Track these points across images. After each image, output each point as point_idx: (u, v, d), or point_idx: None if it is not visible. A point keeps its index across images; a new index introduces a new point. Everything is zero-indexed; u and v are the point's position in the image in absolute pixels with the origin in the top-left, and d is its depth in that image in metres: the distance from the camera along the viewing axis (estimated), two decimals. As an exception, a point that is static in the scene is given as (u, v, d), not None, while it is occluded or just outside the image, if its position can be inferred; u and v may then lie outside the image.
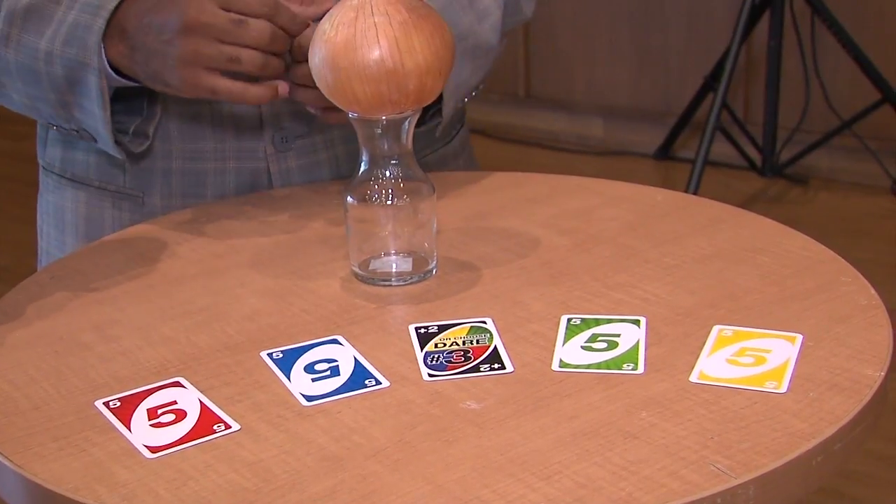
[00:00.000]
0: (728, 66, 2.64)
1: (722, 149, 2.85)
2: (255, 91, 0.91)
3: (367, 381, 0.73)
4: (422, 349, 0.76)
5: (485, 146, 3.30)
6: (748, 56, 2.99)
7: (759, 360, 0.72)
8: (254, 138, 1.03)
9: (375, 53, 0.78)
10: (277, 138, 1.03)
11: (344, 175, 1.06)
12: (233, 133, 1.02)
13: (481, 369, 0.74)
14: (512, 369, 0.74)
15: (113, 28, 0.92)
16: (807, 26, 2.78)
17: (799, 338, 0.75)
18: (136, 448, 0.67)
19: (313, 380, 0.73)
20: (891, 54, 2.77)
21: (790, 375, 0.71)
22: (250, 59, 0.89)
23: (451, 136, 1.15)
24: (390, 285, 0.86)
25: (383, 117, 0.82)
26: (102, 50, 0.92)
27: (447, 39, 0.82)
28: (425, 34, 0.80)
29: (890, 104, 2.70)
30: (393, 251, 0.87)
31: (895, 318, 0.77)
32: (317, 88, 0.84)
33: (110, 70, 0.93)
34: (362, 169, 0.85)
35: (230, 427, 0.69)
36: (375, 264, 0.87)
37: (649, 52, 3.19)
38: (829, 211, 2.79)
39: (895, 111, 2.70)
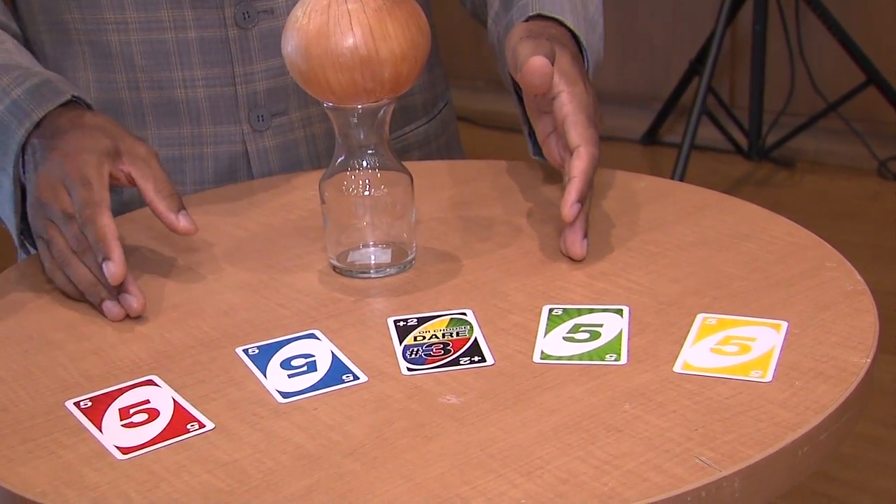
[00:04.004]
0: (713, 51, 2.62)
1: (708, 133, 2.84)
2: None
3: (344, 377, 0.71)
4: (401, 342, 0.75)
5: (471, 133, 3.28)
6: (733, 40, 2.98)
7: (744, 349, 0.71)
8: (230, 120, 1.01)
9: (349, 41, 0.77)
10: (254, 117, 1.01)
11: (321, 154, 1.04)
12: (209, 116, 1.01)
13: (461, 362, 0.72)
14: (492, 362, 0.72)
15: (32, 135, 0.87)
16: (791, 9, 2.77)
17: (784, 325, 0.73)
18: (107, 449, 0.65)
19: (290, 376, 0.72)
20: (876, 35, 2.76)
21: (775, 364, 0.69)
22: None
23: (432, 114, 1.14)
24: (369, 277, 0.84)
25: (359, 106, 0.80)
26: (20, 160, 0.86)
27: (423, 26, 0.80)
28: (400, 21, 0.78)
29: (875, 86, 2.69)
30: (371, 243, 0.85)
31: (885, 300, 0.76)
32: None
33: (24, 181, 0.87)
34: (339, 159, 0.83)
35: (204, 426, 0.67)
36: (354, 256, 0.85)
37: (634, 37, 3.18)
38: (816, 194, 2.78)
39: (881, 93, 2.69)
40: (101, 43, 0.99)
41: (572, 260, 0.83)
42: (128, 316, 0.79)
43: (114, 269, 0.78)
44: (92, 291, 0.80)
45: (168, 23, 0.98)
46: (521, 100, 0.91)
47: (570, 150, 0.81)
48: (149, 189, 0.84)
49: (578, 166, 0.80)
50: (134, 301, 0.79)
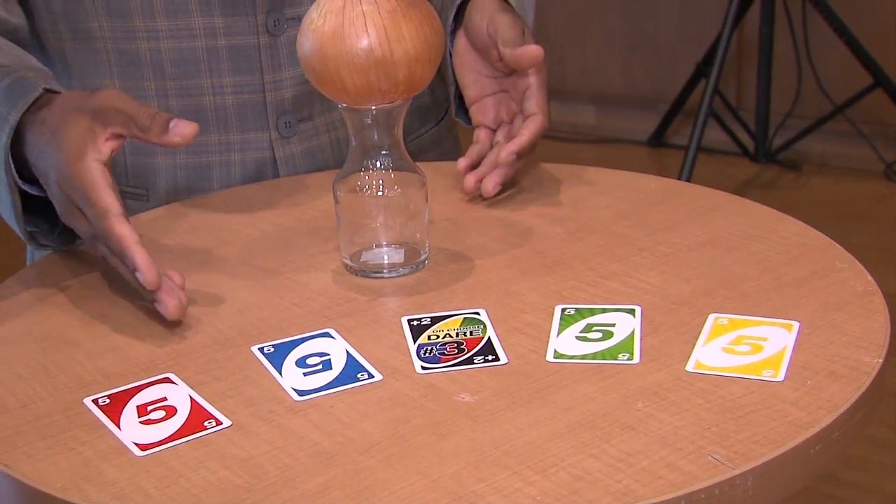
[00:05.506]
0: (720, 52, 2.63)
1: (715, 135, 2.84)
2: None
3: (359, 375, 0.72)
4: (415, 341, 0.75)
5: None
6: (740, 42, 2.98)
7: (756, 349, 0.72)
8: (258, 127, 1.02)
9: (364, 42, 0.77)
10: (282, 123, 1.02)
11: (345, 158, 1.05)
12: (237, 123, 1.01)
13: (475, 361, 0.73)
14: (506, 361, 0.73)
15: (18, 135, 0.84)
16: (798, 11, 2.77)
17: (795, 325, 0.74)
18: (125, 446, 0.66)
19: (305, 374, 0.72)
20: (883, 38, 2.76)
21: (787, 363, 0.70)
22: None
23: (443, 112, 1.15)
24: (382, 277, 0.85)
25: (373, 107, 0.81)
26: (11, 165, 0.83)
27: (436, 27, 0.80)
28: (414, 22, 0.79)
29: (882, 88, 2.69)
30: (384, 242, 0.86)
31: (892, 302, 0.76)
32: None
33: (22, 183, 0.85)
34: (352, 160, 0.84)
35: (221, 423, 0.68)
36: (367, 256, 0.86)
37: (641, 39, 3.18)
38: (823, 196, 2.78)
39: (887, 95, 2.69)
40: (130, 51, 0.99)
41: (483, 198, 0.95)
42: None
43: (143, 277, 0.76)
44: (144, 294, 0.79)
45: (199, 31, 0.98)
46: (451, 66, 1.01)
47: (523, 115, 0.94)
48: (135, 132, 0.80)
49: (531, 128, 0.93)
50: (167, 307, 0.77)
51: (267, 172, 1.04)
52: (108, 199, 0.78)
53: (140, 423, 0.68)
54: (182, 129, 0.79)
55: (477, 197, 0.96)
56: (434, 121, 1.14)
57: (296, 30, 1.00)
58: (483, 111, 0.98)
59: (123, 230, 0.77)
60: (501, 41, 0.92)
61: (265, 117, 1.02)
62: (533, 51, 0.91)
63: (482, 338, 0.75)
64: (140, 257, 0.77)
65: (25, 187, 0.85)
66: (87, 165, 0.79)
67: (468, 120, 1.01)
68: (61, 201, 0.81)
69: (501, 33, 0.93)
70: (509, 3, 0.98)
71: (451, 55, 1.00)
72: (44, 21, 1.01)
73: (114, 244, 0.78)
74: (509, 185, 0.96)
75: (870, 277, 0.79)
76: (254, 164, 1.03)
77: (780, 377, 0.69)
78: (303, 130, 1.04)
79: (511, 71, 0.95)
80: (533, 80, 0.94)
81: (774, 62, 2.84)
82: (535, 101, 0.93)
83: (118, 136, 0.81)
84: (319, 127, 1.04)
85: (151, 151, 1.02)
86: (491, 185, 0.93)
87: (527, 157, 0.94)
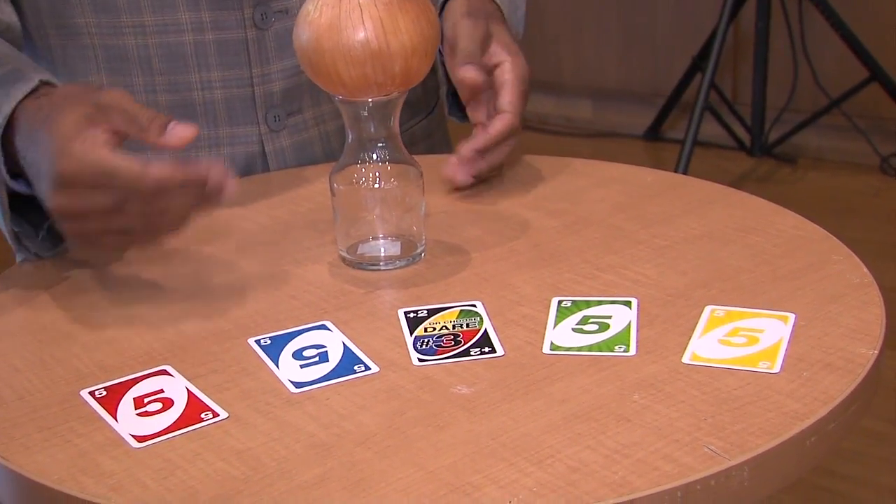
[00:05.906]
0: (716, 46, 2.63)
1: (711, 129, 2.84)
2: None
3: (356, 367, 0.72)
4: (411, 334, 0.76)
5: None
6: (736, 36, 2.98)
7: (752, 341, 0.72)
8: (247, 121, 1.02)
9: (360, 35, 0.77)
10: (270, 117, 1.02)
11: (335, 151, 1.05)
12: (225, 118, 1.01)
13: (472, 353, 0.73)
14: (502, 353, 0.73)
15: (11, 125, 0.82)
16: (794, 5, 2.77)
17: (791, 317, 0.74)
18: (122, 438, 0.66)
19: (301, 366, 0.73)
20: (879, 32, 2.77)
21: (783, 355, 0.70)
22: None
23: (432, 105, 1.16)
24: (379, 269, 0.85)
25: (369, 100, 0.81)
26: (1, 157, 0.81)
27: (433, 20, 0.80)
28: (411, 15, 0.79)
29: (878, 82, 2.70)
30: (381, 235, 0.86)
31: (887, 295, 0.76)
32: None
33: (10, 180, 0.83)
34: (349, 152, 0.84)
35: (218, 415, 0.68)
36: (363, 248, 0.86)
37: (637, 33, 3.18)
38: (818, 190, 2.78)
39: (883, 89, 2.70)
40: (118, 46, 0.98)
41: (456, 189, 0.95)
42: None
43: (216, 174, 0.73)
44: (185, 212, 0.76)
45: (186, 25, 0.98)
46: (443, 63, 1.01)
47: (495, 112, 0.92)
48: (134, 130, 0.78)
49: (496, 126, 0.92)
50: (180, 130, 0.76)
51: (256, 167, 1.04)
52: (125, 160, 0.74)
53: (137, 415, 0.68)
54: (179, 132, 0.77)
55: (471, 189, 0.96)
56: (424, 113, 1.14)
57: (283, 23, 1.00)
58: (477, 109, 0.98)
59: (163, 170, 0.74)
60: (458, 53, 0.93)
61: (254, 111, 1.02)
62: (470, 72, 0.91)
63: (478, 330, 0.75)
64: (196, 169, 0.73)
65: (11, 183, 0.83)
66: (83, 136, 0.75)
67: (461, 117, 1.01)
68: (52, 187, 0.76)
69: (459, 43, 0.93)
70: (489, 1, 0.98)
71: (440, 54, 1.00)
72: (28, 17, 1.01)
73: (168, 183, 0.74)
74: (494, 176, 0.96)
75: (865, 269, 0.79)
76: (243, 159, 1.03)
77: (776, 369, 0.69)
78: (292, 124, 1.04)
79: (490, 69, 0.94)
80: (508, 77, 0.93)
81: (770, 56, 2.84)
82: (506, 99, 0.92)
83: (115, 133, 0.78)
84: (308, 121, 1.04)
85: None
86: (460, 176, 0.94)
87: (496, 152, 0.93)
